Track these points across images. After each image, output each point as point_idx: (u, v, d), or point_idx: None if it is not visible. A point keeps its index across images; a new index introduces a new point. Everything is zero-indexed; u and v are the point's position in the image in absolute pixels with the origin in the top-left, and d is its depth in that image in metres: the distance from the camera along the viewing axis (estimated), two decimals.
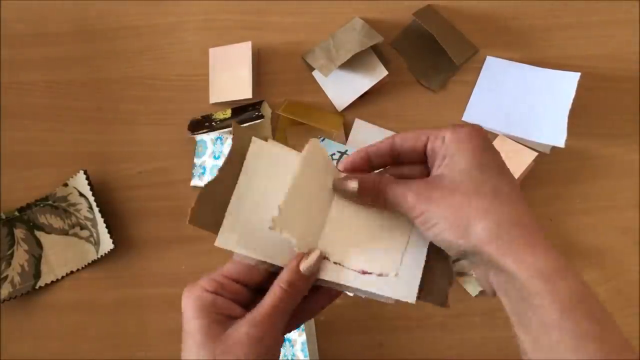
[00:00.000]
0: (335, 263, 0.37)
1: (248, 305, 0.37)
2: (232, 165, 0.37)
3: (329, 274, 0.37)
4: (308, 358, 0.55)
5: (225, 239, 0.36)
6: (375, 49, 0.62)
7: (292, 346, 0.55)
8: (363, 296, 0.38)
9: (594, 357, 0.29)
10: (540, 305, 0.30)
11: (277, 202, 0.35)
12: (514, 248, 0.31)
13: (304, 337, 0.55)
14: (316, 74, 0.64)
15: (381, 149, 0.37)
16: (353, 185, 0.37)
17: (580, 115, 0.62)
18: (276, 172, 0.38)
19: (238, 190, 0.37)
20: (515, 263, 0.30)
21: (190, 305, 0.36)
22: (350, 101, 0.63)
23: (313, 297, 0.38)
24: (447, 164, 0.34)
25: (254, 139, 0.38)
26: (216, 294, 0.36)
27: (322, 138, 0.61)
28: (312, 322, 0.59)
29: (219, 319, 0.35)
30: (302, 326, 0.55)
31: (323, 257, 0.37)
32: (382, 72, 0.62)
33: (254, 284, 0.38)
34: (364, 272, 0.37)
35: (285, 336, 0.55)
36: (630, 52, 0.63)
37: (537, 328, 0.30)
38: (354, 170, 0.38)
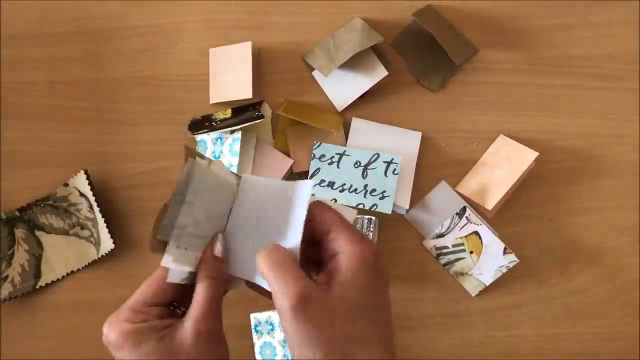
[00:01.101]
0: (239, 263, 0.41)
1: (176, 318, 0.39)
2: (180, 188, 0.39)
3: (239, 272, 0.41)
4: None
5: (167, 260, 0.37)
6: (375, 49, 0.62)
7: None
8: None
9: None
10: None
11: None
12: None
13: None
14: (316, 74, 0.64)
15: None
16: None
17: (580, 115, 0.62)
18: (213, 194, 0.41)
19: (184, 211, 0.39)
20: None
21: (125, 338, 0.36)
22: (350, 101, 0.63)
23: None
24: (340, 279, 0.35)
25: (197, 160, 0.40)
26: (144, 322, 0.37)
27: (318, 143, 0.61)
28: None
29: (161, 336, 0.36)
30: None
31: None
32: (382, 72, 0.62)
33: (168, 303, 0.40)
34: None
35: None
36: (630, 52, 0.63)
37: None
38: None
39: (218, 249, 0.40)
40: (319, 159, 0.61)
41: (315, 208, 0.38)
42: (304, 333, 0.33)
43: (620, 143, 0.62)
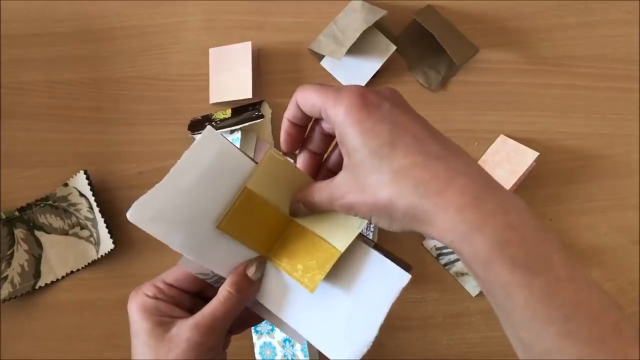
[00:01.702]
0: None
1: (190, 308, 0.39)
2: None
3: (275, 306, 0.39)
4: (308, 358, 0.55)
5: (139, 213, 0.35)
6: (379, 29, 0.63)
7: (292, 346, 0.55)
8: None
9: (525, 305, 0.28)
10: (468, 263, 0.30)
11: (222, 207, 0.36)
12: (428, 219, 0.30)
13: None
14: (325, 63, 0.64)
15: (294, 112, 0.36)
16: (295, 206, 0.38)
17: (580, 115, 0.62)
18: (231, 178, 0.37)
19: (176, 177, 0.36)
20: (435, 233, 0.30)
21: (135, 310, 0.38)
22: (365, 82, 0.63)
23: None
24: (345, 153, 0.33)
25: (223, 141, 0.37)
26: (157, 299, 0.38)
27: None
28: None
29: (162, 321, 0.37)
30: None
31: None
32: (390, 48, 0.62)
33: (193, 291, 0.40)
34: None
35: (285, 336, 0.55)
36: (630, 52, 0.63)
37: (482, 284, 0.30)
38: (293, 142, 0.38)
39: (252, 271, 0.38)
40: None
41: (299, 98, 0.35)
42: (360, 213, 0.33)
43: (620, 143, 0.62)
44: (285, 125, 0.37)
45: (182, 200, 0.36)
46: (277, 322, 0.39)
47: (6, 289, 0.61)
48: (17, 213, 0.63)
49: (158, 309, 0.38)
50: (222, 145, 0.36)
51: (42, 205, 0.63)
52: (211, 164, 0.36)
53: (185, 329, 0.37)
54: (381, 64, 0.62)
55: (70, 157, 0.65)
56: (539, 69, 0.63)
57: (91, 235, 0.63)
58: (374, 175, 0.31)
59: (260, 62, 0.65)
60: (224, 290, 0.38)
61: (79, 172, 0.62)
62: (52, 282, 0.62)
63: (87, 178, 0.62)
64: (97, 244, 0.63)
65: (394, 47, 0.62)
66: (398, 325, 0.60)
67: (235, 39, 0.64)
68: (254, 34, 0.65)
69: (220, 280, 0.39)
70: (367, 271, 0.37)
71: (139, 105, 0.65)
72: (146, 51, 0.66)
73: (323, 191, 0.35)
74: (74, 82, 0.66)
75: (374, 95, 0.33)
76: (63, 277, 0.63)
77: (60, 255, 0.63)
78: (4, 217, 0.62)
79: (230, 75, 0.63)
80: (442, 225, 0.30)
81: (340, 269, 0.37)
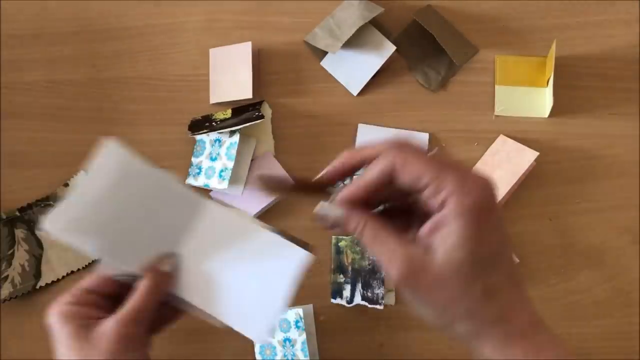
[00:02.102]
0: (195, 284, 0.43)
1: (112, 310, 0.41)
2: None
3: (191, 295, 0.43)
4: (308, 358, 0.55)
5: (54, 225, 0.39)
6: (379, 29, 0.63)
7: (292, 346, 0.55)
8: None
9: None
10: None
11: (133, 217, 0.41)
12: (491, 342, 0.32)
13: (304, 337, 0.55)
14: (325, 63, 0.64)
15: (375, 181, 0.33)
16: (337, 213, 0.34)
17: (580, 114, 0.62)
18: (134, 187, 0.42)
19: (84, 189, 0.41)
20: (492, 353, 0.32)
21: (55, 319, 0.40)
22: (364, 82, 0.62)
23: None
24: (442, 238, 0.31)
25: (121, 151, 0.41)
26: (77, 305, 0.41)
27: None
28: (312, 322, 0.59)
29: (84, 324, 0.40)
30: (302, 326, 0.55)
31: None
32: (390, 48, 0.62)
33: (113, 293, 0.43)
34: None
35: (285, 336, 0.55)
36: (630, 52, 0.63)
37: None
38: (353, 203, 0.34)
39: (168, 266, 0.42)
40: None
41: (398, 162, 0.32)
42: (417, 300, 0.32)
43: (620, 143, 0.62)
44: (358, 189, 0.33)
45: (92, 210, 0.40)
46: (196, 311, 0.43)
47: (7, 289, 0.61)
48: (17, 213, 0.63)
49: (79, 313, 0.40)
50: (123, 156, 0.41)
51: (42, 205, 0.63)
52: (115, 175, 0.40)
53: (111, 325, 0.39)
54: (381, 64, 0.62)
55: (71, 157, 0.65)
56: None
57: None
58: (463, 283, 0.31)
59: (260, 62, 0.65)
60: (142, 284, 0.41)
61: (79, 172, 0.62)
62: (53, 282, 0.62)
63: None
64: None
65: (394, 47, 0.62)
66: (398, 325, 0.60)
67: (235, 39, 0.64)
68: (254, 34, 0.65)
69: (138, 278, 0.42)
70: (272, 254, 0.42)
71: (139, 105, 0.65)
72: (146, 51, 0.66)
73: (392, 257, 0.32)
74: (74, 82, 0.66)
75: (494, 196, 0.33)
76: (63, 277, 0.63)
77: (61, 255, 0.63)
78: (4, 217, 0.62)
79: (230, 76, 0.63)
80: (503, 353, 0.31)
81: (248, 255, 0.42)
